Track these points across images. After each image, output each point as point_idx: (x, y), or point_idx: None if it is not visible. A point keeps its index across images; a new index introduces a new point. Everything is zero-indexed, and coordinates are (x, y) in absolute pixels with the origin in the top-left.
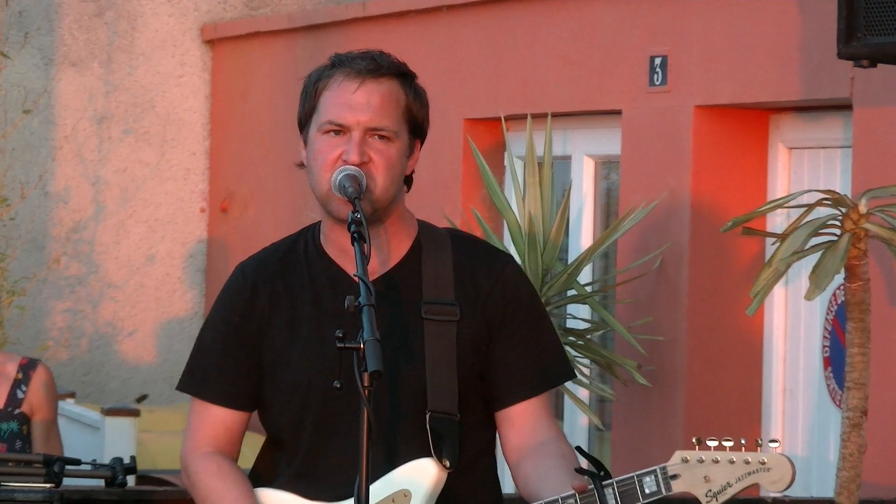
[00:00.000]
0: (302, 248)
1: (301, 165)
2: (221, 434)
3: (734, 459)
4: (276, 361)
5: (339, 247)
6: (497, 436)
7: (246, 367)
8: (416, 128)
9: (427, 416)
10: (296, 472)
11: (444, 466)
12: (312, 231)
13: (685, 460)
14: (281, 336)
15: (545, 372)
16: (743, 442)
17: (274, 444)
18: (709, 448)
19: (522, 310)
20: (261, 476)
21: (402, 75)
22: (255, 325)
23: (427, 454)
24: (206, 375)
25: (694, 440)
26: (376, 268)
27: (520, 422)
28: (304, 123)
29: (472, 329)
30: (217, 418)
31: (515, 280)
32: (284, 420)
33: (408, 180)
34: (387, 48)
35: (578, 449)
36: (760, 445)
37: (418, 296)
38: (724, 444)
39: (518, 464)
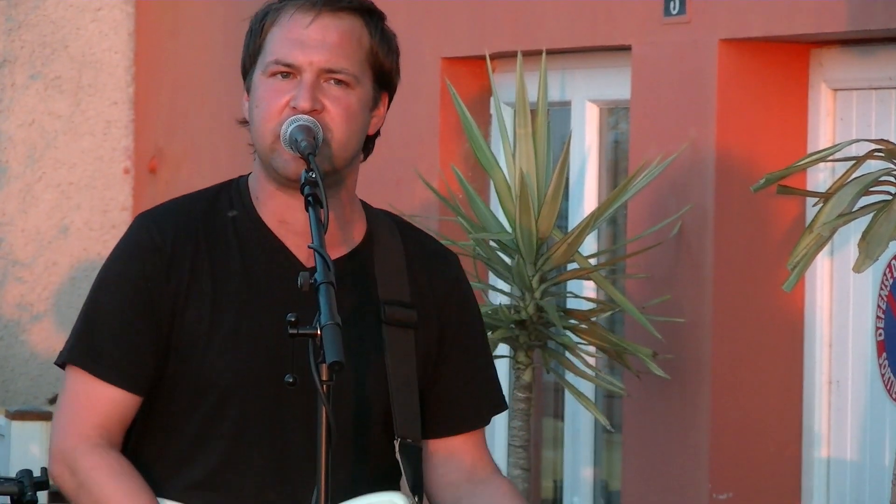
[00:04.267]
0: (226, 209)
1: (244, 122)
2: (114, 422)
3: None
4: (189, 345)
5: (278, 216)
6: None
7: (153, 342)
8: (382, 77)
9: (397, 445)
10: (196, 484)
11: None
12: (237, 190)
13: None
14: (199, 316)
15: (492, 399)
16: None
17: (159, 443)
18: None
19: (474, 325)
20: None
21: (368, 12)
22: (171, 294)
23: (393, 487)
24: (100, 347)
25: None
26: (333, 249)
27: (460, 455)
28: (247, 69)
29: (426, 340)
30: (109, 401)
31: (467, 293)
32: (189, 420)
33: (367, 145)
34: None
35: None
36: None
37: (374, 293)
38: None
39: (457, 501)
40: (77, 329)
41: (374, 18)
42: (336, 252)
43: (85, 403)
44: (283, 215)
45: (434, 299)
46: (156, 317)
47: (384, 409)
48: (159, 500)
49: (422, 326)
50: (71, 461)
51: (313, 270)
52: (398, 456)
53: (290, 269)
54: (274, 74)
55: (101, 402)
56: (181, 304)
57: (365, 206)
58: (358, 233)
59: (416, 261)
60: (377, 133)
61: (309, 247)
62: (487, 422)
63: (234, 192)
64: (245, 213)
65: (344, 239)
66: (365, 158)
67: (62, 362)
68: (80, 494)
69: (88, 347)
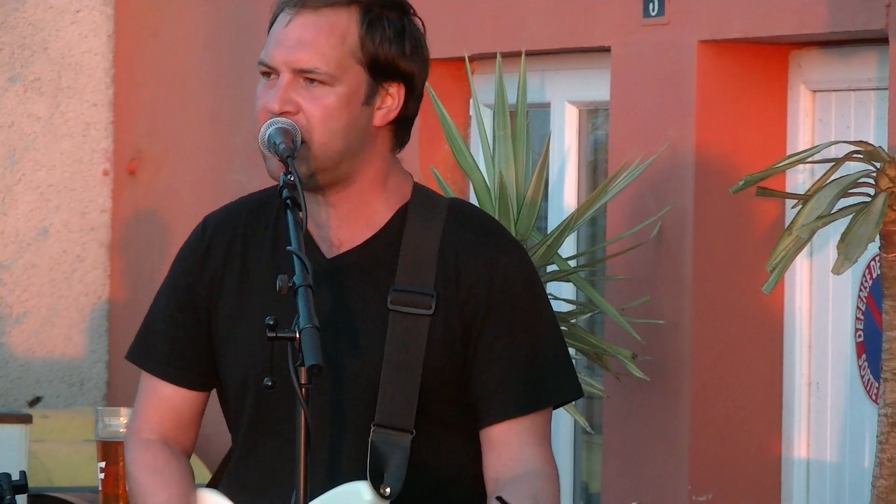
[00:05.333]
0: (276, 203)
1: None
2: (168, 417)
3: None
4: (221, 338)
5: (307, 210)
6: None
7: (196, 338)
8: (381, 67)
9: (371, 431)
10: (232, 475)
11: (382, 494)
12: None
13: None
14: (228, 308)
15: (537, 387)
16: None
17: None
18: None
19: (513, 311)
20: (219, 473)
21: (363, 2)
22: (206, 289)
23: (364, 477)
24: (153, 345)
25: None
26: (340, 242)
27: (499, 446)
28: None
29: (446, 327)
30: (163, 397)
31: (508, 273)
32: (227, 411)
33: (401, 131)
34: None
35: (500, 500)
36: None
37: (389, 280)
38: None
39: (490, 498)
40: (140, 326)
41: (367, 9)
42: (351, 241)
43: (142, 399)
44: (308, 209)
45: (460, 286)
46: (197, 311)
47: (372, 397)
48: (208, 491)
49: (441, 313)
50: (125, 454)
51: (304, 271)
52: (370, 442)
53: (313, 263)
54: (263, 74)
55: (153, 397)
56: (215, 297)
57: (418, 192)
58: (381, 220)
59: (451, 246)
60: (403, 121)
61: (287, 249)
62: (530, 410)
63: None
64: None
65: (362, 227)
66: (396, 148)
67: (127, 360)
68: (127, 484)
69: (141, 345)
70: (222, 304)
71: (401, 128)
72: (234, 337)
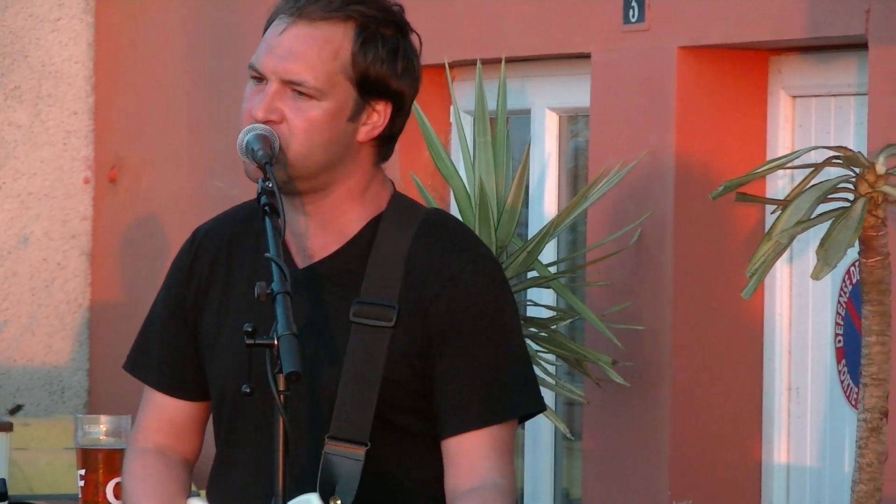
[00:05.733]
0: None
1: None
2: (164, 426)
3: None
4: (205, 347)
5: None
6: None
7: (187, 348)
8: (370, 85)
9: (325, 443)
10: (212, 484)
11: None
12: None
13: None
14: (211, 317)
15: (498, 400)
16: None
17: None
18: None
19: (476, 324)
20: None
21: (359, 19)
22: (193, 297)
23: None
24: (147, 354)
25: None
26: (317, 250)
27: (458, 458)
28: None
29: (406, 340)
30: (159, 406)
31: (472, 286)
32: (213, 422)
33: (384, 146)
34: None
35: None
36: None
37: (354, 292)
38: None
39: None
40: (137, 335)
41: (364, 25)
42: (323, 251)
43: (142, 408)
44: (287, 217)
45: (423, 297)
46: (186, 321)
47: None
48: (196, 499)
49: (402, 325)
50: (124, 462)
51: (283, 278)
52: (323, 454)
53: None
54: (252, 78)
55: (150, 407)
56: (200, 307)
57: (395, 203)
58: (352, 230)
59: (419, 257)
60: (387, 137)
61: (266, 256)
62: (488, 422)
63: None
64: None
65: (334, 238)
66: (379, 160)
67: (124, 369)
68: (122, 493)
69: (137, 355)
70: (206, 313)
71: (385, 143)
72: (216, 346)
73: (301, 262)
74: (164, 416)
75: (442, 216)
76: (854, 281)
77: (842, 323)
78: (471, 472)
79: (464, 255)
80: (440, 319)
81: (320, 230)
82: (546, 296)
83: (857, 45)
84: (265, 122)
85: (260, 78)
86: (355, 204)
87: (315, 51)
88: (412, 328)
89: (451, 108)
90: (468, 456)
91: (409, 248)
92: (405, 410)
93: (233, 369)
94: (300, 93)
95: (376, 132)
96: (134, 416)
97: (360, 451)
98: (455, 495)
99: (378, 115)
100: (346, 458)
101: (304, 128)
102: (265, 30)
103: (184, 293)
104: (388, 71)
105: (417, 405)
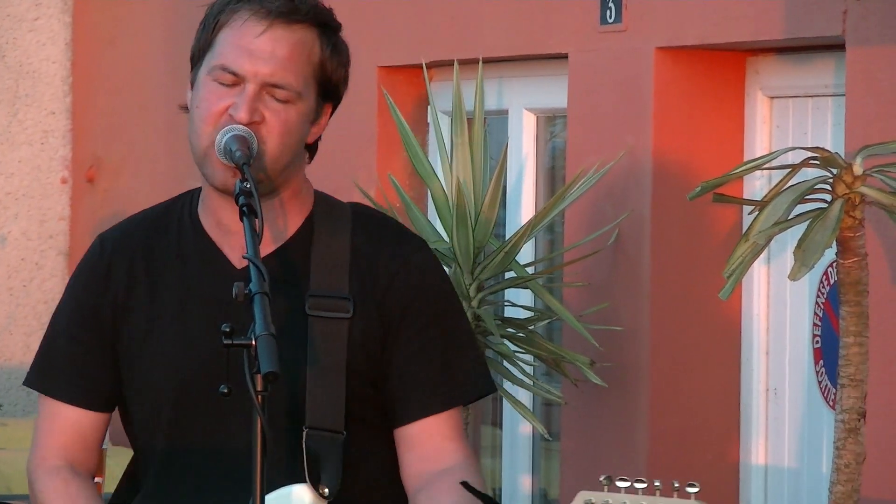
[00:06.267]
0: (176, 216)
1: (184, 109)
2: (74, 441)
3: None
4: (130, 354)
5: (216, 218)
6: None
7: (101, 358)
8: (328, 89)
9: (304, 434)
10: (148, 493)
11: (322, 495)
12: (192, 197)
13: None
14: (137, 323)
15: (455, 383)
16: (658, 484)
17: (134, 457)
18: (619, 490)
19: (429, 307)
20: (120, 497)
21: (323, 25)
22: (110, 308)
23: (301, 479)
24: (55, 367)
25: (602, 479)
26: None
27: (420, 443)
28: (196, 60)
29: (365, 329)
30: (68, 421)
31: (423, 270)
32: (137, 427)
33: (311, 149)
34: None
35: (465, 485)
36: (677, 490)
37: (304, 286)
38: (637, 486)
39: (414, 495)
40: (38, 352)
41: (328, 31)
42: (264, 250)
43: (46, 425)
44: (219, 216)
45: (376, 287)
46: (100, 330)
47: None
48: None
49: (359, 316)
50: (31, 483)
51: (247, 279)
52: (303, 445)
53: (223, 273)
54: (218, 79)
55: (59, 422)
56: (120, 315)
57: (320, 200)
58: (290, 229)
59: (362, 248)
60: (317, 140)
61: (244, 257)
62: (445, 408)
63: (185, 202)
64: (189, 219)
65: (272, 237)
66: (310, 161)
67: (26, 385)
68: None
69: (42, 368)
70: (131, 320)
71: (314, 144)
72: (147, 354)
73: (239, 263)
74: (74, 430)
75: (368, 209)
76: (832, 282)
77: (819, 324)
78: (438, 455)
79: (408, 244)
80: (396, 305)
81: (266, 229)
82: (524, 296)
83: (834, 46)
84: (248, 125)
85: (232, 80)
86: (294, 204)
87: (296, 54)
88: (369, 317)
89: (429, 108)
90: (432, 439)
91: (351, 242)
92: (364, 401)
93: (175, 373)
94: (278, 96)
95: (319, 133)
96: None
97: (339, 439)
98: (424, 479)
99: (324, 119)
100: (327, 446)
101: (280, 129)
102: (213, 23)
103: (98, 302)
104: (343, 75)
105: (373, 397)
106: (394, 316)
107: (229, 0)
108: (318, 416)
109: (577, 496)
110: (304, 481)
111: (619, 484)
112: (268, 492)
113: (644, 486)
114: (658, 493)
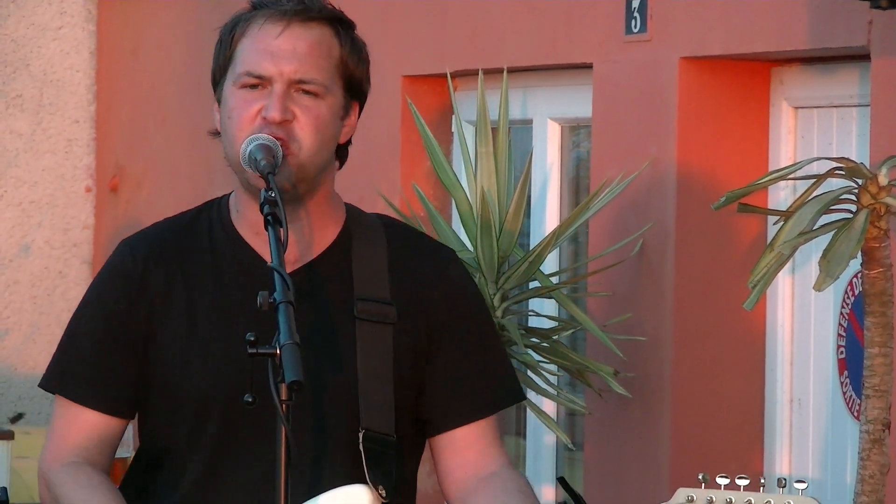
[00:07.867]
0: (206, 226)
1: (215, 134)
2: (93, 444)
3: (752, 502)
4: (166, 362)
5: (254, 227)
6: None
7: (128, 364)
8: (353, 86)
9: (360, 436)
10: (183, 499)
11: (380, 495)
12: (220, 205)
13: (690, 500)
14: (176, 332)
15: (495, 390)
16: (763, 481)
17: (151, 463)
18: (719, 487)
19: (469, 317)
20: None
21: (337, 22)
22: (144, 314)
23: (358, 480)
24: (77, 371)
25: (700, 477)
26: (296, 257)
27: (464, 449)
28: (217, 80)
29: (410, 336)
30: (88, 424)
31: (461, 280)
32: (172, 436)
33: (341, 153)
34: None
35: (561, 480)
36: (784, 486)
37: (349, 292)
38: (739, 482)
39: (463, 498)
40: (54, 354)
41: (344, 27)
42: (306, 257)
43: (63, 427)
44: (259, 226)
45: (419, 295)
46: (129, 339)
47: (355, 403)
48: None
49: (403, 322)
50: (48, 480)
51: (285, 288)
52: (361, 447)
53: (263, 280)
54: (245, 86)
55: (77, 425)
56: (156, 324)
57: (350, 209)
58: (329, 236)
59: (401, 258)
60: (349, 142)
61: (269, 266)
62: (488, 413)
63: (214, 210)
64: (222, 228)
65: (312, 244)
66: (341, 167)
67: (43, 387)
68: None
69: (62, 372)
70: (165, 330)
71: (345, 147)
72: (187, 360)
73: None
74: (95, 433)
75: (396, 220)
76: (856, 292)
77: (844, 334)
78: (481, 460)
79: (444, 255)
80: (439, 312)
81: (302, 237)
82: (548, 306)
83: (859, 57)
84: (281, 123)
85: (256, 84)
86: (330, 210)
87: (317, 49)
88: (414, 326)
89: (453, 117)
90: (475, 445)
91: (388, 253)
92: (406, 406)
93: (218, 381)
94: (306, 91)
95: (350, 133)
96: (134, 426)
97: (392, 441)
98: (471, 484)
99: (353, 117)
100: (382, 449)
101: (313, 125)
102: (230, 39)
103: (131, 308)
104: (364, 72)
105: (413, 403)
106: (438, 325)
107: (241, 13)
108: (374, 419)
109: (677, 492)
110: (365, 482)
111: (719, 480)
112: (327, 490)
113: (746, 482)
114: (762, 489)
